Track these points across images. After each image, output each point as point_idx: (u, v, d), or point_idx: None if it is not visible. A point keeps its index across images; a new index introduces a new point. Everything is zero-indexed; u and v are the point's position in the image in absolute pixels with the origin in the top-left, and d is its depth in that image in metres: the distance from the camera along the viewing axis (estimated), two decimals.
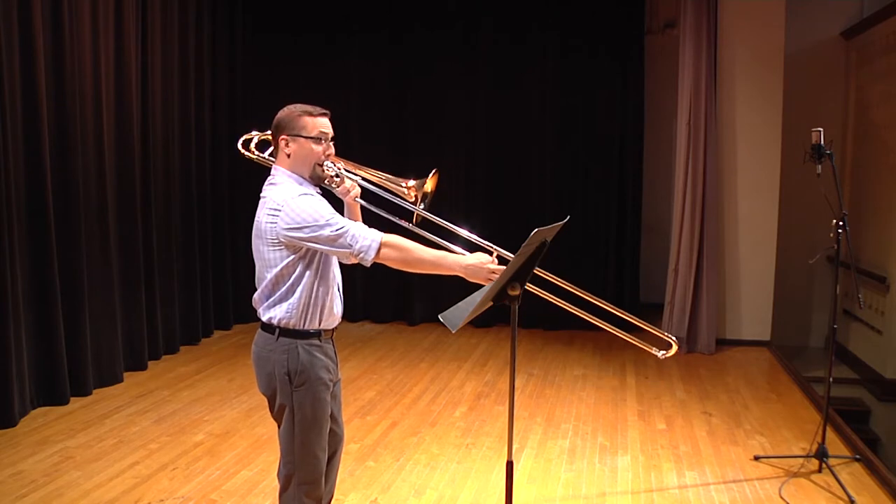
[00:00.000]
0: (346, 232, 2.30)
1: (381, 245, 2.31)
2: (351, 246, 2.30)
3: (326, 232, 2.30)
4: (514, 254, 2.35)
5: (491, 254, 2.41)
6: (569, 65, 6.81)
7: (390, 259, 2.34)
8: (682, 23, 6.24)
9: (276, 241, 2.35)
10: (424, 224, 2.60)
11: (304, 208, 2.31)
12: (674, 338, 2.66)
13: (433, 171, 2.54)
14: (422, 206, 2.54)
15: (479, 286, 2.49)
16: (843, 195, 3.95)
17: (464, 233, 2.60)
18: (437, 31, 6.91)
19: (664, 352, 2.67)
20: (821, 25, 6.99)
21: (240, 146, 2.67)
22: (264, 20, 6.96)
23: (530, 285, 2.49)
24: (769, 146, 6.29)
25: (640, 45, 6.81)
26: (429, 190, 2.54)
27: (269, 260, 2.39)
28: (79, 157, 4.75)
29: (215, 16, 6.41)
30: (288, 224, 2.31)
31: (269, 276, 2.40)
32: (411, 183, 2.52)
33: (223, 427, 4.34)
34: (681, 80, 6.23)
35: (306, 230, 2.30)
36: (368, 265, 2.36)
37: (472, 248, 2.50)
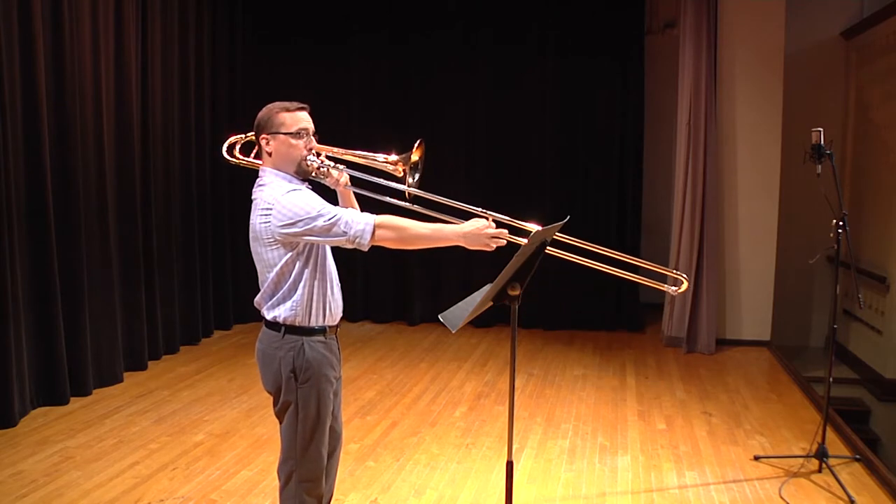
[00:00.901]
0: (339, 220, 2.30)
1: (376, 227, 2.30)
2: (346, 233, 2.29)
3: (320, 223, 2.29)
4: (504, 215, 2.35)
5: (487, 219, 2.40)
6: (569, 65, 6.81)
7: (386, 239, 2.33)
8: (682, 23, 6.24)
9: (273, 240, 2.36)
10: (419, 200, 2.57)
11: (295, 202, 2.31)
12: (684, 275, 2.65)
13: (418, 141, 2.50)
14: (415, 178, 2.50)
15: (479, 286, 2.50)
16: (843, 195, 3.95)
17: (459, 204, 2.55)
18: (437, 31, 6.91)
19: (675, 287, 2.66)
20: (821, 25, 6.99)
21: (224, 153, 2.66)
22: (264, 20, 6.96)
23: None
24: (769, 146, 6.29)
25: (640, 45, 6.81)
26: (416, 160, 2.49)
27: (267, 260, 2.40)
28: (79, 157, 4.75)
29: (215, 16, 6.41)
30: (281, 221, 2.32)
31: (271, 276, 2.41)
32: (394, 157, 2.49)
33: (223, 427, 4.34)
34: (681, 80, 6.23)
35: (300, 224, 2.30)
36: (366, 249, 2.35)
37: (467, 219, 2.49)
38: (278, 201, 2.33)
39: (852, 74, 7.00)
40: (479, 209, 2.45)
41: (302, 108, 2.45)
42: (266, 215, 2.35)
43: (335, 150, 2.54)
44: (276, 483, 2.57)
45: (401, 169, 2.48)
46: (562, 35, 6.79)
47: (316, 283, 2.43)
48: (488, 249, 2.38)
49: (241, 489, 3.55)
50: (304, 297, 2.40)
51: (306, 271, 2.41)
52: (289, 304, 2.40)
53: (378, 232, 2.30)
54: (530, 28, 6.84)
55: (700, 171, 6.10)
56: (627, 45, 6.76)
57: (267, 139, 2.42)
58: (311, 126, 2.46)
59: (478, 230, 2.35)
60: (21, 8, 4.28)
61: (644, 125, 6.89)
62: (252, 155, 2.64)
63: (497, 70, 6.89)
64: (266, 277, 2.43)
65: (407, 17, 6.92)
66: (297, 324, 2.41)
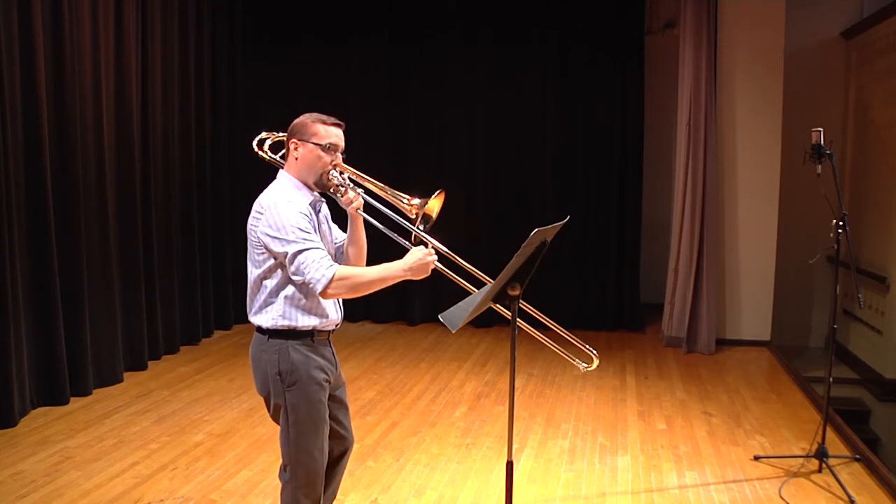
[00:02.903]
0: (304, 258, 2.29)
1: (332, 282, 2.28)
2: (303, 273, 2.30)
3: (290, 249, 2.30)
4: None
5: (426, 245, 2.43)
6: (569, 65, 6.81)
7: (339, 292, 2.32)
8: (682, 23, 6.24)
9: (259, 243, 2.38)
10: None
11: (285, 216, 2.32)
12: (595, 352, 2.64)
13: (438, 191, 2.50)
14: (422, 227, 2.51)
15: (479, 286, 2.50)
16: (843, 195, 3.95)
17: (463, 263, 2.57)
18: (437, 32, 6.91)
19: (586, 365, 2.66)
20: (821, 25, 6.99)
21: (254, 145, 2.71)
22: (264, 21, 6.96)
23: (446, 270, 2.52)
24: (769, 146, 6.29)
25: (640, 45, 6.81)
26: (433, 210, 2.50)
27: (253, 262, 2.43)
28: (79, 157, 4.75)
29: (215, 17, 6.41)
30: (265, 229, 2.34)
31: (253, 277, 2.43)
32: (415, 201, 2.49)
33: (223, 427, 4.34)
34: (681, 80, 6.23)
35: (277, 241, 2.32)
36: (317, 294, 2.34)
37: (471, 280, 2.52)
38: (271, 209, 2.35)
39: (852, 74, 6.99)
40: (448, 252, 2.48)
41: (338, 125, 2.49)
42: (257, 218, 2.38)
43: (358, 174, 2.54)
44: (277, 483, 2.58)
45: (415, 212, 2.48)
46: (562, 35, 6.79)
47: (301, 293, 2.40)
48: (428, 275, 2.41)
49: (241, 489, 3.55)
50: (287, 304, 2.40)
51: (290, 280, 2.39)
52: (271, 311, 2.41)
53: (333, 286, 2.29)
54: (530, 28, 6.84)
55: (700, 171, 6.10)
56: (627, 45, 6.76)
57: (297, 144, 2.45)
58: (342, 144, 2.49)
59: (420, 261, 2.37)
60: (21, 8, 4.28)
61: (644, 125, 6.89)
62: (279, 155, 2.65)
63: (497, 70, 6.89)
64: (251, 279, 2.44)
65: (407, 17, 6.92)
66: (280, 328, 2.41)
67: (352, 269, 2.37)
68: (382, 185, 2.54)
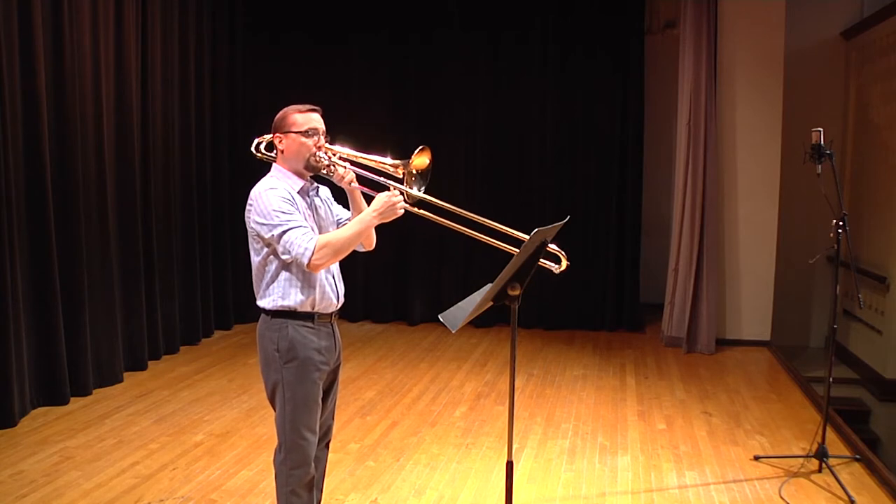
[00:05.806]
0: (287, 237, 2.42)
1: (314, 252, 2.41)
2: (290, 251, 2.42)
3: (275, 232, 2.43)
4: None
5: (389, 189, 2.54)
6: (569, 64, 6.81)
7: (324, 259, 2.43)
8: (682, 23, 6.25)
9: (254, 232, 2.50)
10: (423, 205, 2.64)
11: (268, 203, 2.45)
12: (563, 252, 2.59)
13: (419, 147, 2.59)
14: (417, 188, 2.58)
15: (479, 286, 2.51)
16: (843, 195, 3.95)
17: (461, 211, 2.65)
18: (437, 32, 6.91)
19: (557, 266, 2.64)
20: (821, 25, 6.99)
21: (253, 149, 2.81)
22: (264, 20, 6.96)
23: (426, 212, 2.61)
24: (769, 146, 6.29)
25: (640, 45, 6.81)
26: (422, 166, 2.58)
27: (253, 250, 2.55)
28: (79, 157, 4.75)
29: (215, 16, 6.41)
30: (255, 217, 2.47)
31: (254, 265, 2.55)
32: (396, 161, 2.59)
33: (223, 427, 4.34)
34: (681, 80, 6.23)
35: (264, 227, 2.45)
36: (306, 269, 2.45)
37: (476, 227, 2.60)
38: (256, 198, 2.48)
39: (852, 74, 6.99)
40: (392, 182, 2.55)
41: (314, 110, 2.60)
42: (248, 209, 2.50)
43: (344, 151, 2.64)
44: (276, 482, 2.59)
45: (401, 172, 2.58)
46: (562, 35, 6.79)
47: (298, 276, 2.50)
48: (399, 215, 2.51)
49: (241, 489, 3.55)
50: (286, 287, 2.50)
51: (284, 266, 2.49)
52: (272, 294, 2.51)
53: (316, 256, 2.41)
54: (530, 28, 6.84)
55: (700, 171, 6.10)
56: (627, 45, 6.76)
57: (280, 138, 2.57)
58: (321, 126, 2.60)
59: (386, 205, 2.48)
60: (21, 8, 4.28)
61: (644, 125, 6.89)
62: (274, 153, 2.73)
63: (497, 70, 6.90)
64: (253, 266, 2.56)
65: (407, 16, 6.92)
66: (281, 309, 2.51)
67: (328, 234, 2.50)
68: (368, 155, 2.63)
